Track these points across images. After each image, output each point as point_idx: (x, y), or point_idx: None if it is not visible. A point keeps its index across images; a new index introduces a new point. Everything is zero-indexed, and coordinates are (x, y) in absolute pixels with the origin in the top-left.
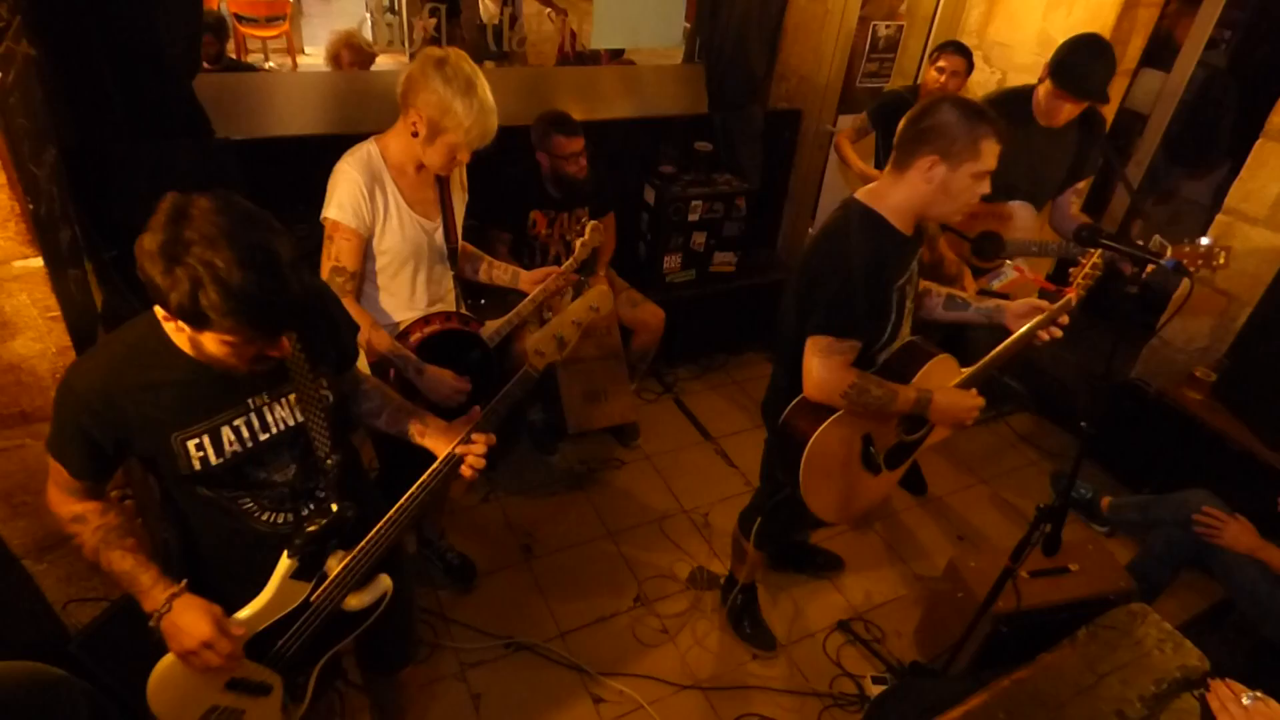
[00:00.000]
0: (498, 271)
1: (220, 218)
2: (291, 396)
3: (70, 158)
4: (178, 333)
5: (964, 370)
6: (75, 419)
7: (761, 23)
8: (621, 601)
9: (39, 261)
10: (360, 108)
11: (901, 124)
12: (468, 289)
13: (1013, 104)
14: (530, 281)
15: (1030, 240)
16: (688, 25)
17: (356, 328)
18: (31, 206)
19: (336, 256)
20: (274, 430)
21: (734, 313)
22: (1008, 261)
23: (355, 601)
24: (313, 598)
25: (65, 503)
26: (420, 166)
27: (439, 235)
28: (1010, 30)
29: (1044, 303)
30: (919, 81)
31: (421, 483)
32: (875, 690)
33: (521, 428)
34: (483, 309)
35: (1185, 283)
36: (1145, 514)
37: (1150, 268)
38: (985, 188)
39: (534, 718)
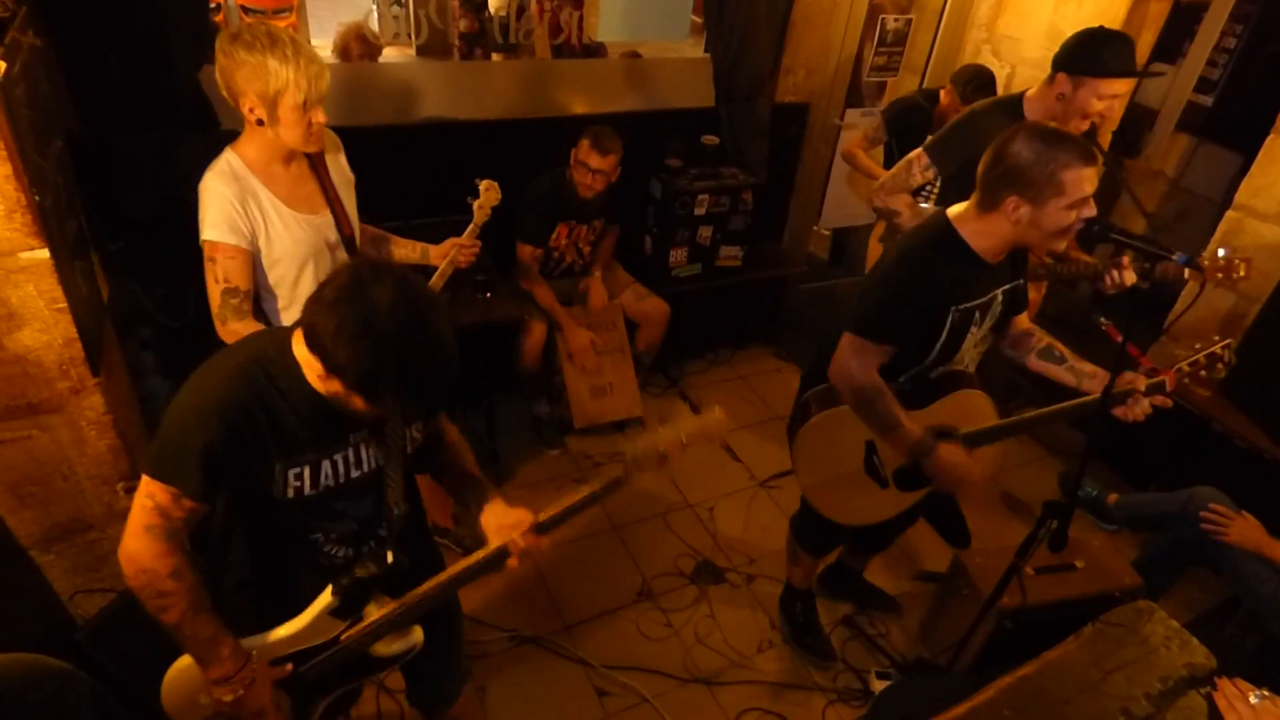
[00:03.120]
0: (405, 250)
1: (406, 307)
2: (379, 439)
3: (76, 149)
4: (310, 368)
5: (994, 419)
6: (201, 432)
7: (769, 15)
8: (626, 595)
9: (45, 253)
10: (368, 100)
11: (981, 167)
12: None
13: (1001, 113)
14: (439, 255)
15: (1036, 264)
16: (697, 19)
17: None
18: (38, 198)
19: (225, 278)
20: (365, 468)
21: (740, 307)
22: None
23: (383, 648)
24: (343, 636)
25: (162, 554)
26: (288, 159)
27: (329, 227)
28: (1020, 24)
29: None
30: (937, 100)
31: (467, 566)
32: (879, 685)
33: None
34: (489, 302)
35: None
36: (1152, 511)
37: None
38: (1087, 211)
39: (538, 711)
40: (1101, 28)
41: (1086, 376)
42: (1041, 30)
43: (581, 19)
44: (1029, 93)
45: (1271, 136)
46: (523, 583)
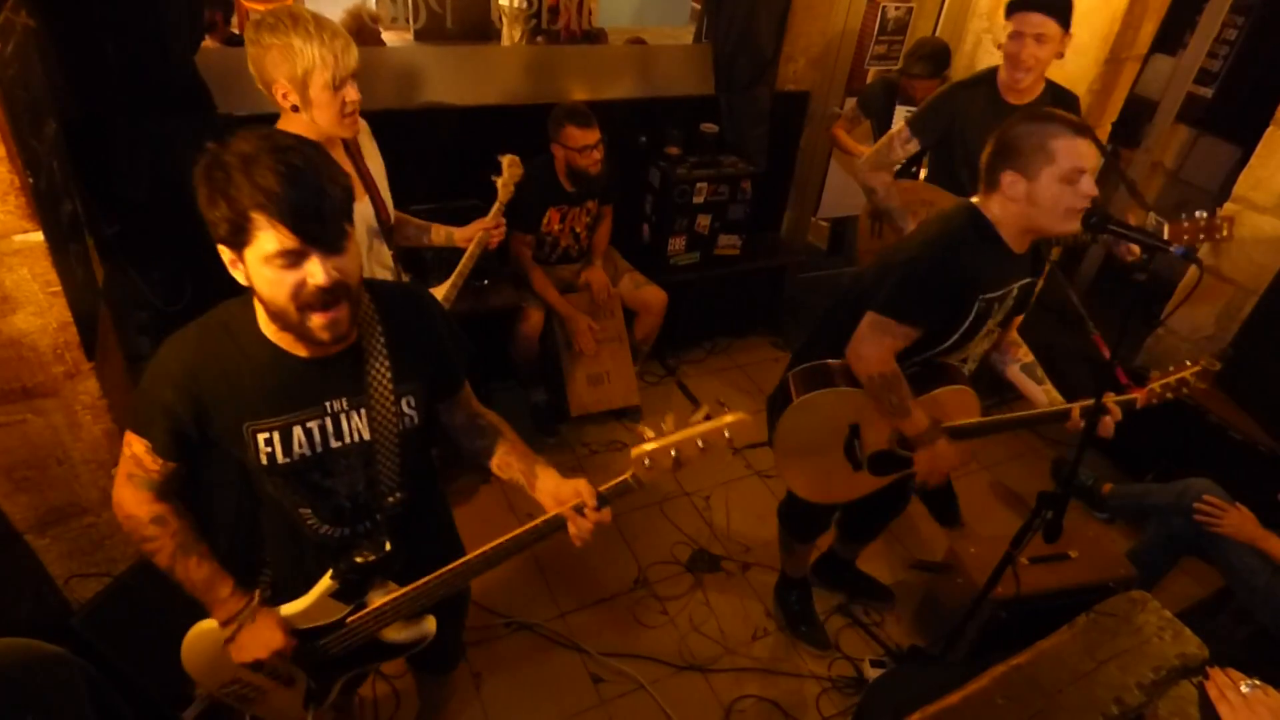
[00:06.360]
0: (429, 235)
1: (250, 134)
2: (364, 410)
3: (71, 132)
4: (259, 308)
5: (979, 415)
6: (162, 393)
7: (769, 2)
8: (622, 583)
9: (39, 236)
10: (366, 85)
11: (983, 156)
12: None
13: (978, 84)
14: (464, 238)
15: None
16: (696, 5)
17: (466, 349)
18: (31, 180)
19: None
20: (346, 440)
21: (738, 296)
22: None
23: (395, 635)
24: (349, 620)
25: (144, 502)
26: (328, 147)
27: (369, 214)
28: None
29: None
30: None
31: (516, 536)
32: (873, 674)
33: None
34: (485, 289)
35: (1193, 271)
36: (1146, 502)
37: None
38: (1086, 187)
39: (534, 697)
40: None
41: (1059, 404)
42: None
43: (582, 4)
44: None
45: (1271, 129)
46: (519, 570)
